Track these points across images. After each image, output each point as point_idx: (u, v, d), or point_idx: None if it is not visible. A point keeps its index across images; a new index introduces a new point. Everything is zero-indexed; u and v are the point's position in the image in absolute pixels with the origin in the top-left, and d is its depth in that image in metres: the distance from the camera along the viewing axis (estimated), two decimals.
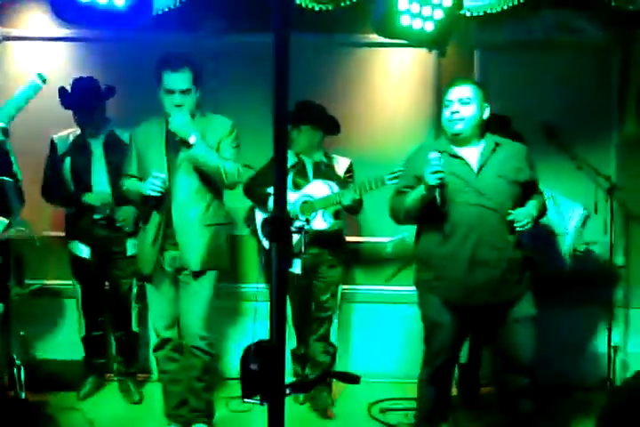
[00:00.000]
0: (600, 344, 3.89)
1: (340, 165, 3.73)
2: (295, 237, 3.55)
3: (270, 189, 3.67)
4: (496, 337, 2.84)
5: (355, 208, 3.58)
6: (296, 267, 3.64)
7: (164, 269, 3.11)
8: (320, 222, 3.58)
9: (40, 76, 2.51)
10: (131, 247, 3.67)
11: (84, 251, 3.68)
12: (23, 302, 3.36)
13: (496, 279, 2.70)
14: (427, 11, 2.61)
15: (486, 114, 2.79)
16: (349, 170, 3.73)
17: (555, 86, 4.00)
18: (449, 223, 2.72)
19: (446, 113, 2.78)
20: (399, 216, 2.84)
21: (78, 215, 3.66)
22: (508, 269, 2.72)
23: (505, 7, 3.42)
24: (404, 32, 2.62)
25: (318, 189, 3.58)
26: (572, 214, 3.62)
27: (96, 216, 3.62)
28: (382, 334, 4.13)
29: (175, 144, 3.05)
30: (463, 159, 2.76)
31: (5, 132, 2.53)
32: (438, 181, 2.59)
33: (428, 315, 2.87)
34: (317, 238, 3.59)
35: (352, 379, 2.84)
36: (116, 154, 3.57)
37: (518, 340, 2.78)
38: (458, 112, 2.74)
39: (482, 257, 2.69)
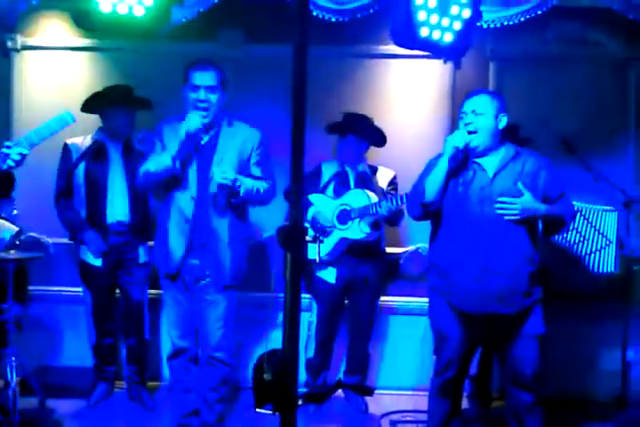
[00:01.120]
0: (614, 360, 3.85)
1: (384, 176, 3.74)
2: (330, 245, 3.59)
3: (310, 197, 3.70)
4: (503, 351, 2.83)
5: (393, 219, 3.58)
6: (331, 276, 3.67)
7: (182, 278, 3.09)
8: (356, 232, 3.58)
9: (69, 115, 2.57)
10: (143, 254, 3.68)
11: (94, 258, 3.66)
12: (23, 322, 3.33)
13: (505, 288, 2.69)
14: (446, 22, 2.62)
15: (503, 124, 2.79)
16: (392, 182, 3.74)
17: (571, 99, 3.98)
18: (462, 230, 2.72)
19: (461, 124, 2.80)
20: (420, 194, 2.79)
21: (92, 220, 3.63)
22: (517, 279, 2.71)
23: (522, 19, 3.42)
24: (422, 43, 2.63)
25: (356, 197, 3.59)
26: (606, 223, 3.55)
27: (109, 221, 3.61)
28: (405, 346, 4.09)
29: (201, 148, 3.06)
30: (480, 164, 2.77)
31: (24, 158, 2.57)
32: (457, 144, 2.69)
33: (438, 325, 2.86)
34: (354, 248, 3.61)
35: (365, 391, 2.85)
36: (135, 161, 3.58)
37: (523, 356, 2.77)
38: (471, 123, 2.74)
39: (493, 264, 2.68)
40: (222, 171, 2.95)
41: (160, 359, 3.86)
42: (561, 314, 3.66)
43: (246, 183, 3.00)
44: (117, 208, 3.63)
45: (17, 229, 3.56)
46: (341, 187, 3.70)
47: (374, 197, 3.54)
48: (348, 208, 3.61)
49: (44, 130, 2.54)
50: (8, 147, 2.53)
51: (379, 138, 3.71)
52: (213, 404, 3.12)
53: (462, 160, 2.78)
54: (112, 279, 3.71)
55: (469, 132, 2.75)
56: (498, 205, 2.67)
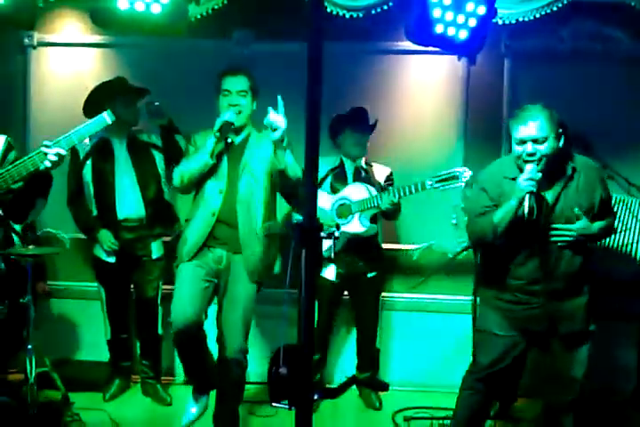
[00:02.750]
0: (630, 357, 3.83)
1: (380, 173, 3.74)
2: (326, 243, 3.58)
3: None
4: (553, 350, 2.79)
5: (392, 213, 3.57)
6: (330, 273, 3.67)
7: (202, 265, 3.09)
8: (357, 226, 3.57)
9: (109, 113, 2.59)
10: (156, 250, 3.70)
11: (108, 255, 3.68)
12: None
13: (566, 314, 2.70)
14: (461, 19, 2.62)
15: (562, 140, 2.62)
16: (389, 178, 3.74)
17: (587, 96, 3.95)
18: (524, 257, 2.69)
19: (519, 150, 2.61)
20: (487, 235, 2.68)
21: (103, 218, 3.66)
22: (579, 304, 2.72)
23: (537, 15, 3.40)
24: (437, 40, 2.63)
25: (356, 191, 3.58)
26: None
27: (120, 217, 3.63)
28: (415, 342, 4.08)
29: (235, 151, 3.11)
30: (539, 192, 2.64)
31: (62, 159, 2.58)
32: (532, 188, 2.53)
33: (486, 326, 2.84)
34: (352, 243, 3.60)
35: (380, 386, 2.86)
36: (142, 155, 3.63)
37: (573, 355, 2.74)
38: (535, 154, 2.57)
39: (551, 287, 2.67)
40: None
41: (174, 355, 3.90)
42: None
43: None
44: (127, 204, 3.64)
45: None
46: (338, 182, 3.69)
47: (373, 191, 3.54)
48: (348, 202, 3.60)
49: (83, 130, 2.55)
50: (47, 146, 2.53)
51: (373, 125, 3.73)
52: (230, 402, 3.14)
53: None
54: (125, 275, 3.74)
55: (528, 161, 2.60)
56: (553, 232, 2.63)
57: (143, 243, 3.68)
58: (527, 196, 2.54)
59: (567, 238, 2.64)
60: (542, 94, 3.95)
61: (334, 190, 3.68)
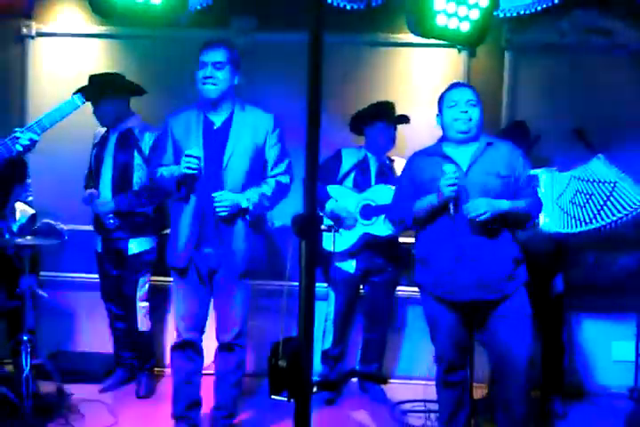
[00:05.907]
0: (628, 352, 3.84)
1: (400, 167, 3.72)
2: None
3: (330, 189, 3.66)
4: (491, 336, 2.81)
5: None
6: (350, 267, 3.67)
7: (196, 269, 3.03)
8: (381, 228, 3.56)
9: (79, 97, 2.59)
10: (135, 246, 3.63)
11: (98, 244, 3.71)
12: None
13: (485, 275, 2.71)
14: (463, 11, 2.61)
15: (481, 112, 2.84)
16: None
17: (588, 90, 3.94)
18: (440, 224, 2.76)
19: (453, 113, 2.79)
20: (406, 220, 2.88)
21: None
22: (497, 265, 2.73)
23: (539, 8, 3.39)
24: (439, 32, 2.62)
25: (381, 194, 3.56)
26: (598, 171, 3.40)
27: (102, 209, 3.59)
28: (412, 335, 4.05)
29: (214, 134, 3.00)
30: (453, 159, 2.78)
31: (34, 144, 2.58)
32: (453, 194, 2.65)
33: (428, 313, 2.91)
34: (373, 242, 3.61)
35: (381, 380, 2.86)
36: (124, 150, 3.59)
37: (513, 339, 2.74)
38: (467, 112, 2.76)
39: (469, 254, 2.71)
40: (218, 199, 2.90)
41: (165, 347, 3.89)
42: (573, 307, 3.67)
43: (252, 197, 2.95)
44: (105, 198, 3.62)
45: (32, 211, 3.57)
46: (362, 177, 3.67)
47: None
48: (373, 204, 3.59)
49: (54, 113, 2.56)
50: (20, 132, 2.55)
51: (403, 118, 3.72)
52: (230, 388, 3.11)
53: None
54: (112, 266, 3.70)
55: (459, 120, 2.78)
56: (469, 209, 2.65)
57: (118, 238, 3.63)
58: (451, 202, 2.66)
59: (480, 211, 2.63)
60: (543, 88, 3.97)
61: (357, 186, 3.66)
